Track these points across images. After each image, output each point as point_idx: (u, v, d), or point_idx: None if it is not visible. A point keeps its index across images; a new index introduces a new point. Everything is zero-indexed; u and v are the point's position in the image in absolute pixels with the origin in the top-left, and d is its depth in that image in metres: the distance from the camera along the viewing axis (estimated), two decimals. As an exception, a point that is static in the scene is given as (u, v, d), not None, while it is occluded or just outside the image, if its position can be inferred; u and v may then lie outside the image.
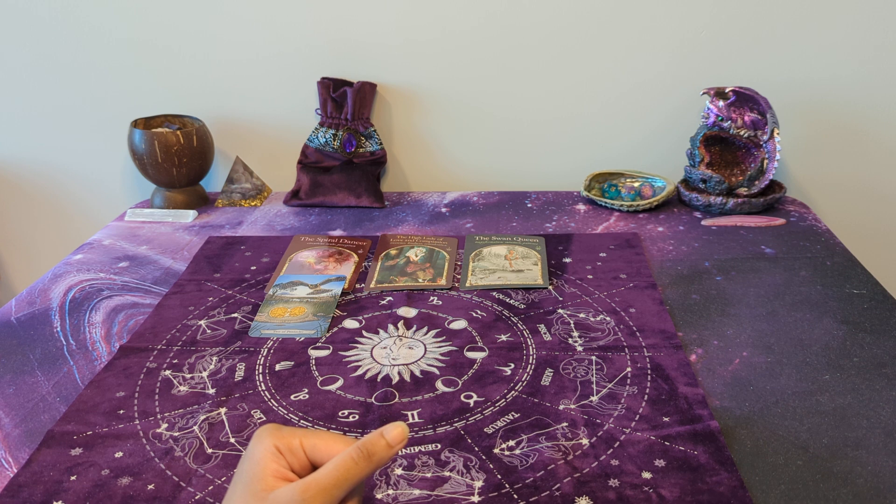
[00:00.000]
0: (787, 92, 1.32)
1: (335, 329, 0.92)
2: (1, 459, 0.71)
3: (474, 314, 0.95)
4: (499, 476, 0.67)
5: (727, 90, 1.25)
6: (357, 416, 0.76)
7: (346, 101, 1.33)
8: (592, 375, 0.81)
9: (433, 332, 0.91)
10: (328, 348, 0.88)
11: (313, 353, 0.87)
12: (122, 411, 0.78)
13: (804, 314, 0.93)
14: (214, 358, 0.87)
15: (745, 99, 1.25)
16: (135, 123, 1.32)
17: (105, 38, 1.37)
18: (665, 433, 0.72)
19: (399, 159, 1.43)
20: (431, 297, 1.00)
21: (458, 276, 1.05)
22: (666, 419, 0.74)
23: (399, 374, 0.83)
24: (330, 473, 0.45)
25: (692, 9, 1.29)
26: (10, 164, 1.48)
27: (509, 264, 1.07)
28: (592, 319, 0.93)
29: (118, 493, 0.66)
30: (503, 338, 0.89)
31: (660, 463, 0.68)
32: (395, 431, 0.47)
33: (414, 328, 0.92)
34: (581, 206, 1.30)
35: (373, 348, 0.88)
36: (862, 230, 1.40)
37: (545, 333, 0.90)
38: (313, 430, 0.48)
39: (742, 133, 1.26)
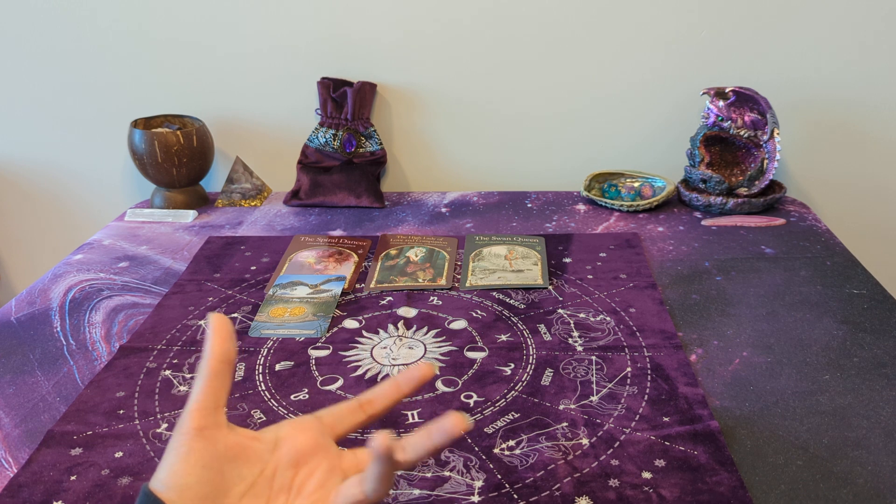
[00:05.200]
0: (787, 92, 1.32)
1: (335, 329, 0.92)
2: (1, 459, 0.71)
3: (474, 314, 0.95)
4: (499, 476, 0.67)
5: (727, 90, 1.25)
6: (357, 416, 0.76)
7: (346, 101, 1.33)
8: (592, 375, 0.81)
9: (433, 332, 0.91)
10: (328, 348, 0.88)
11: (313, 353, 0.87)
12: (122, 411, 0.78)
13: (804, 314, 0.93)
14: (214, 358, 0.87)
15: (745, 99, 1.24)
16: (135, 123, 1.32)
17: (105, 39, 1.37)
18: (665, 433, 0.72)
19: (399, 159, 1.43)
20: (431, 297, 1.00)
21: (458, 276, 1.05)
22: (666, 419, 0.74)
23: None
24: None
25: (692, 9, 1.29)
26: (10, 164, 1.48)
27: (509, 264, 1.07)
28: (592, 319, 0.93)
29: (118, 493, 0.66)
30: (503, 338, 0.89)
31: (660, 463, 0.68)
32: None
33: (414, 328, 0.92)
34: (581, 206, 1.30)
35: (373, 348, 0.88)
36: (862, 230, 1.40)
37: (545, 333, 0.90)
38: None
39: (742, 133, 1.26)
